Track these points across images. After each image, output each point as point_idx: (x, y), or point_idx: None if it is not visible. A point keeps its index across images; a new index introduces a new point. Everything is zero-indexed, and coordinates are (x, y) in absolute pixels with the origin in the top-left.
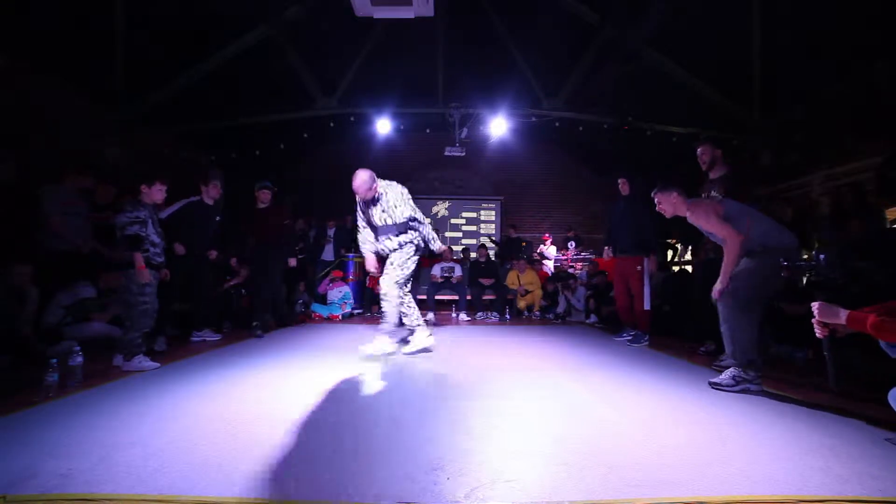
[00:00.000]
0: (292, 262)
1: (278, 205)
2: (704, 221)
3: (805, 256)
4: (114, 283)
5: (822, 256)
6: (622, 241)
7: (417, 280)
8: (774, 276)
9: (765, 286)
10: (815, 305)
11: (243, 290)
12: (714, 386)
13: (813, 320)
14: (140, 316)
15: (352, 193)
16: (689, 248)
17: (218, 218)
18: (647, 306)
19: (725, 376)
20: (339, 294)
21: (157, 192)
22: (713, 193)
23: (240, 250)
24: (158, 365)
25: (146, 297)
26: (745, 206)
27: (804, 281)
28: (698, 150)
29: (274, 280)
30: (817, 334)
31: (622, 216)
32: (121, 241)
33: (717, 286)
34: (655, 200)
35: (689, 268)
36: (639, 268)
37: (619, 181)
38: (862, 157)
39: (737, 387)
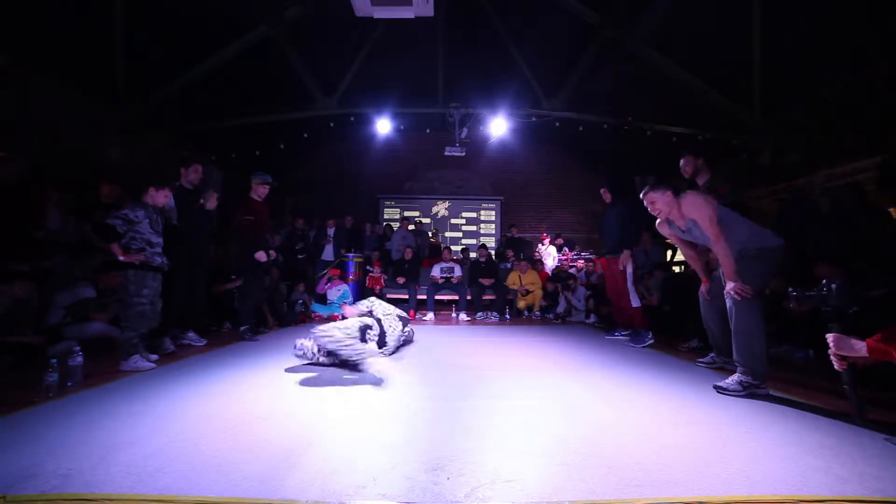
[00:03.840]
0: (261, 256)
1: (268, 202)
2: (696, 212)
3: (813, 292)
4: (113, 283)
5: (833, 286)
6: (609, 243)
7: (417, 280)
8: (772, 272)
9: (765, 281)
10: (830, 338)
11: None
12: (720, 390)
13: (830, 353)
14: (137, 317)
15: (351, 193)
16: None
17: (201, 200)
18: (634, 303)
19: (732, 381)
20: (338, 293)
21: (161, 197)
22: None
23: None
24: (154, 366)
25: (144, 298)
26: (733, 212)
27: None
28: (681, 161)
29: (265, 279)
30: (836, 367)
31: (608, 220)
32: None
33: (730, 284)
34: (647, 201)
35: (676, 269)
36: (621, 267)
37: (601, 191)
38: (862, 157)
39: (744, 392)
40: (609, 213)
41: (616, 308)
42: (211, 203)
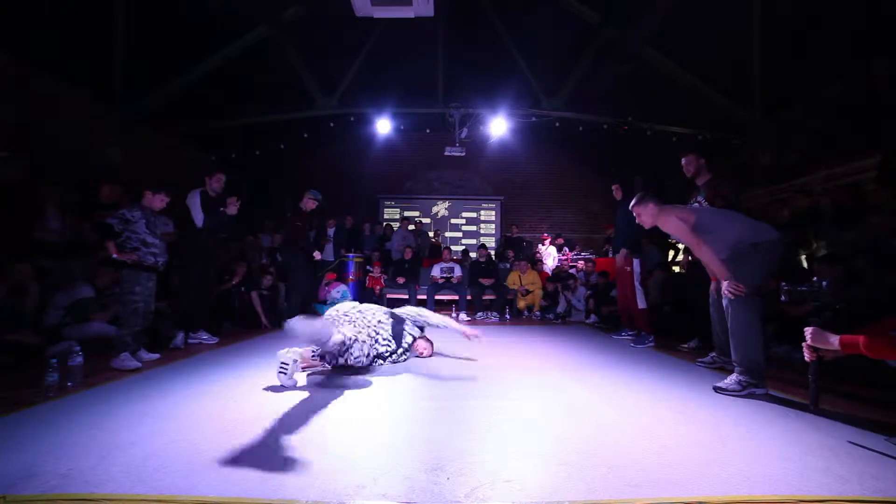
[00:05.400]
0: (317, 255)
1: (312, 215)
2: (672, 229)
3: (804, 287)
4: (110, 280)
5: (824, 283)
6: (617, 242)
7: (417, 280)
8: (768, 268)
9: (762, 279)
10: (808, 331)
11: (243, 289)
12: (719, 391)
13: (804, 344)
14: (131, 315)
15: (351, 194)
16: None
17: (221, 209)
18: (640, 305)
19: (731, 381)
20: (339, 294)
21: (158, 201)
22: (699, 199)
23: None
24: (140, 365)
25: (136, 296)
26: (720, 211)
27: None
28: (683, 160)
29: (305, 279)
30: (806, 358)
31: (620, 219)
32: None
33: (725, 284)
34: (634, 213)
35: (676, 269)
36: (627, 268)
37: (613, 187)
38: (862, 157)
39: (743, 392)
40: (619, 211)
41: (623, 308)
42: (231, 209)
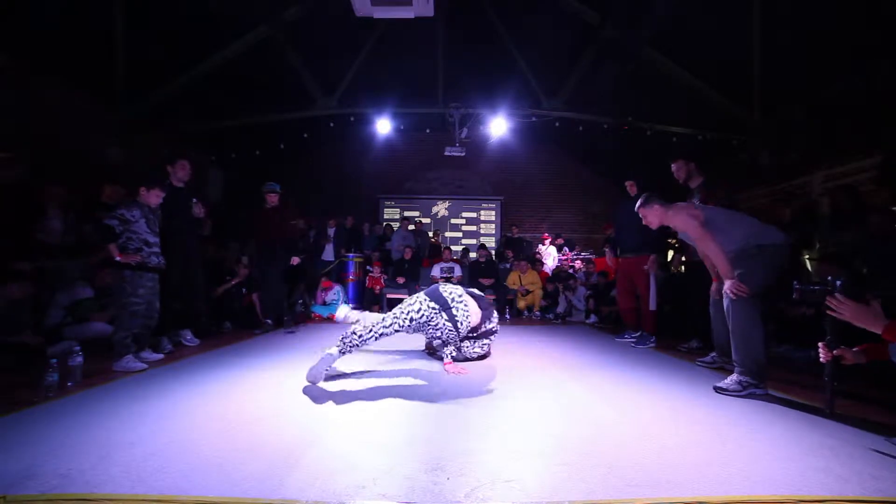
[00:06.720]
0: (295, 260)
1: (285, 205)
2: (682, 224)
3: (817, 287)
4: (109, 281)
5: (838, 283)
6: (629, 241)
7: (417, 280)
8: (774, 270)
9: (766, 281)
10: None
11: (244, 290)
12: (719, 391)
13: (820, 344)
14: (129, 317)
15: (351, 194)
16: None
17: (195, 200)
18: (652, 306)
19: (731, 381)
20: (334, 295)
21: (153, 197)
22: (694, 201)
23: (242, 249)
24: (146, 366)
25: (139, 298)
26: (727, 210)
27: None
28: (672, 166)
29: (278, 279)
30: (821, 358)
31: (630, 217)
32: (95, 231)
33: (728, 283)
34: (640, 215)
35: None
36: (644, 267)
37: (627, 183)
38: (862, 158)
39: (743, 392)
40: (631, 211)
41: (625, 309)
42: (198, 211)
